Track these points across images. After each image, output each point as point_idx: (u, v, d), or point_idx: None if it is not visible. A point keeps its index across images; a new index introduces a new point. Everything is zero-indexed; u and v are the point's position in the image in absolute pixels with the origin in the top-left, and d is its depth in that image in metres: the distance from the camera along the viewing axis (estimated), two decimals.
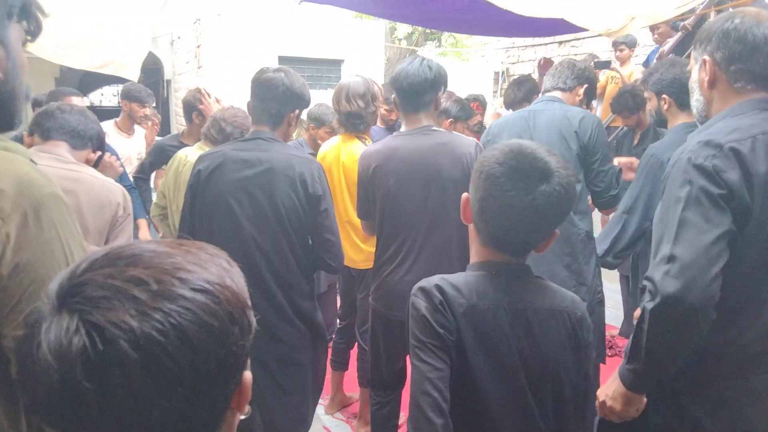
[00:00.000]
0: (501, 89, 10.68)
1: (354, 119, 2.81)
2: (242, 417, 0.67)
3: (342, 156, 2.85)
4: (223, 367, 0.59)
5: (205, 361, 0.56)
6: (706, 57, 1.44)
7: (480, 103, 4.59)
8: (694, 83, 1.51)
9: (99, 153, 2.21)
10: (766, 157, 1.31)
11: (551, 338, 1.22)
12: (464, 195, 1.29)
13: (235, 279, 0.63)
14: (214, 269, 0.61)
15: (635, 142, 3.97)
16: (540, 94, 2.83)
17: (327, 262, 2.22)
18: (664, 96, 2.47)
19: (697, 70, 1.49)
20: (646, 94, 2.71)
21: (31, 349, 0.54)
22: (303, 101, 2.22)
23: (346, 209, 2.88)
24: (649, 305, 1.31)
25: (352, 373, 3.50)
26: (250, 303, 0.64)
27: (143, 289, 0.55)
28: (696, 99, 1.52)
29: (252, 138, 2.16)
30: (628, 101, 3.73)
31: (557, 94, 2.69)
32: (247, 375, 0.65)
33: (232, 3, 9.05)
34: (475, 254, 1.31)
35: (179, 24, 9.80)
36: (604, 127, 2.68)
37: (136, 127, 4.37)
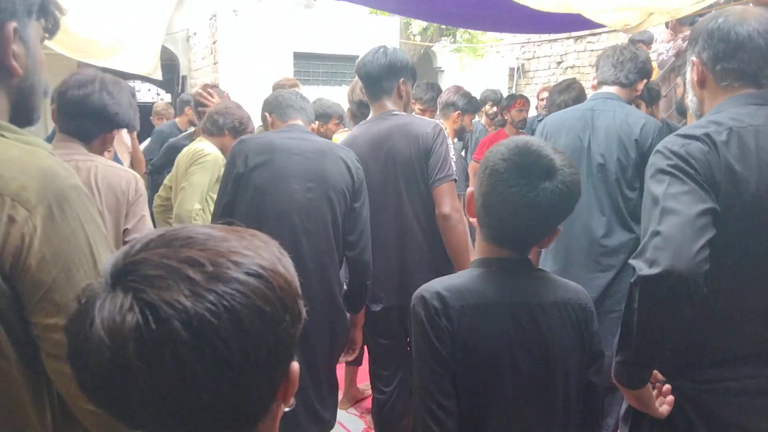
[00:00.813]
0: (516, 85, 10.61)
1: (363, 108, 2.91)
2: (287, 409, 0.67)
3: None
4: (273, 354, 0.58)
5: (256, 345, 0.56)
6: (694, 58, 1.46)
7: (525, 100, 4.61)
8: (688, 84, 1.53)
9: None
10: (739, 149, 1.31)
11: (556, 331, 1.22)
12: (469, 190, 1.30)
13: (287, 267, 0.63)
14: (267, 255, 0.61)
15: None
16: (595, 83, 2.62)
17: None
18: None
19: (690, 71, 1.50)
20: (678, 80, 2.68)
21: (84, 325, 0.55)
22: None
23: None
24: (639, 279, 1.29)
25: (364, 367, 3.52)
26: (300, 292, 0.64)
27: (198, 270, 0.55)
28: (690, 99, 1.54)
29: (293, 129, 2.21)
30: (643, 94, 3.73)
31: (615, 90, 2.50)
32: (295, 366, 0.64)
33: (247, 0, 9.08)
34: (477, 250, 1.31)
35: (195, 20, 9.85)
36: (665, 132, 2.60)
37: None
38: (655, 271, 1.25)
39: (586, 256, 2.37)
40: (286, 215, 2.06)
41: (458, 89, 3.79)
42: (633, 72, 2.48)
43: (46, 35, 0.97)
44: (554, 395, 1.23)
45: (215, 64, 9.16)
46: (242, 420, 0.59)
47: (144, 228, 1.98)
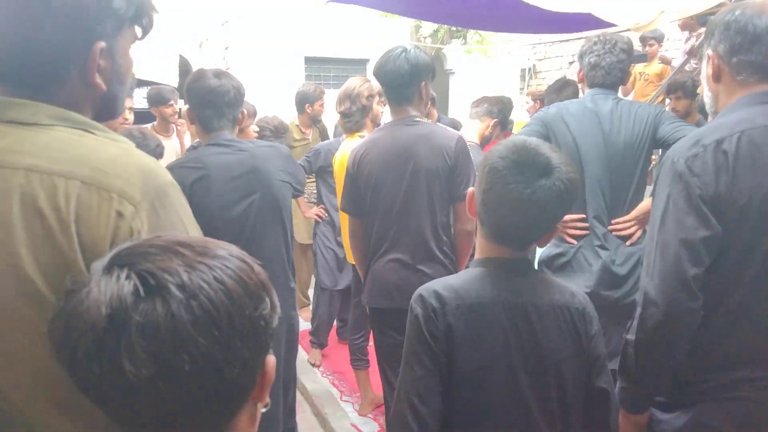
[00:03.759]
0: (527, 86, 10.57)
1: (343, 118, 3.05)
2: (263, 409, 0.69)
3: (347, 151, 2.97)
4: (255, 329, 0.63)
5: (240, 314, 0.61)
6: (710, 51, 1.44)
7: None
8: (703, 79, 1.51)
9: None
10: (750, 153, 1.29)
11: (551, 333, 1.23)
12: (470, 189, 1.32)
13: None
14: (244, 253, 0.68)
15: None
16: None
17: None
18: None
19: (705, 65, 1.48)
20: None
21: (81, 297, 0.59)
22: (243, 97, 2.27)
23: None
24: (638, 311, 1.36)
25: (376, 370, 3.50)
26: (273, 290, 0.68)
27: (188, 248, 0.62)
28: (705, 94, 1.52)
29: (225, 143, 2.16)
30: (687, 82, 3.88)
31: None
32: (271, 359, 0.68)
33: (258, 4, 9.13)
34: (478, 249, 1.33)
35: (207, 26, 9.93)
36: None
37: (174, 127, 4.40)
38: (645, 305, 1.33)
39: None
40: (243, 230, 2.20)
41: (507, 102, 3.72)
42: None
43: (139, 35, 0.99)
44: (549, 399, 1.23)
45: (227, 69, 9.22)
46: (225, 400, 0.63)
47: None
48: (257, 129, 3.74)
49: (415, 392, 1.21)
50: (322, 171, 3.89)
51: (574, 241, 2.39)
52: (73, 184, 0.83)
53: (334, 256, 3.92)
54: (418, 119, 2.30)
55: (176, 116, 4.28)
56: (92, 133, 0.91)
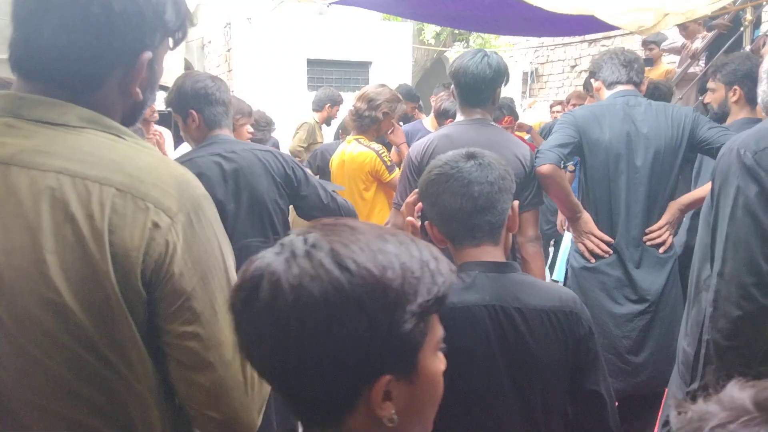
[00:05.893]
0: (530, 90, 10.58)
1: (353, 116, 3.01)
2: (390, 424, 0.63)
3: (345, 155, 2.98)
4: (335, 344, 0.60)
5: (314, 322, 0.59)
6: None
7: (515, 118, 4.42)
8: (764, 73, 1.48)
9: None
10: None
11: (538, 337, 1.21)
12: (426, 222, 1.34)
13: (404, 268, 0.63)
14: (381, 256, 0.63)
15: None
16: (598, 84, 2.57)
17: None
18: (735, 87, 2.48)
19: None
20: (712, 85, 2.66)
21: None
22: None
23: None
24: (709, 310, 1.32)
25: None
26: (416, 299, 0.62)
27: (302, 246, 0.63)
28: (763, 90, 1.49)
29: (217, 141, 2.15)
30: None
31: (632, 88, 2.47)
32: (383, 380, 0.62)
33: (261, 7, 9.16)
34: (457, 259, 1.32)
35: (210, 28, 9.96)
36: None
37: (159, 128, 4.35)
38: (716, 300, 1.29)
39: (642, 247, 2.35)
40: (231, 235, 2.21)
41: (449, 95, 3.72)
42: (640, 72, 2.50)
43: (172, 43, 0.96)
44: (533, 402, 1.22)
45: (230, 71, 9.24)
46: (325, 402, 0.64)
47: None
48: (251, 130, 3.75)
49: None
50: (320, 172, 3.86)
51: (592, 259, 2.37)
52: (107, 191, 0.79)
53: None
54: (491, 122, 2.33)
55: (156, 114, 4.14)
56: (123, 138, 0.88)
